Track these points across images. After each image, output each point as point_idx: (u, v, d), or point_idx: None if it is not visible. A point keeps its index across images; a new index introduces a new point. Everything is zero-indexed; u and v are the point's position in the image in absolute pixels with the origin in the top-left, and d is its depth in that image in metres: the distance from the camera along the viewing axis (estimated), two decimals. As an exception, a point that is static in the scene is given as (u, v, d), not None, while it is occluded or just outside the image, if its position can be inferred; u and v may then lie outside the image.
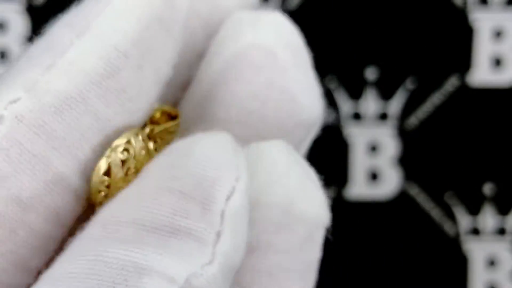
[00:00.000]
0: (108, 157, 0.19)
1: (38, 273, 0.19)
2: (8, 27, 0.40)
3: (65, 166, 0.19)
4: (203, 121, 0.22)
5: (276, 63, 0.22)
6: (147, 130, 0.20)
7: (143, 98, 0.19)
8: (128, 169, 0.19)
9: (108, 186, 0.19)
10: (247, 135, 0.22)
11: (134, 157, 0.19)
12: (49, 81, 0.18)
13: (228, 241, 0.18)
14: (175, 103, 0.23)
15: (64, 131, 0.18)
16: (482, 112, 0.43)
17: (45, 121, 0.18)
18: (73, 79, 0.18)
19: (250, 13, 0.23)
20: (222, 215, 0.18)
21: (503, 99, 0.43)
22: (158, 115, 0.21)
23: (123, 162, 0.19)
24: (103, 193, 0.19)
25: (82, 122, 0.19)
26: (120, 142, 0.19)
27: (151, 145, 0.20)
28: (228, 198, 0.18)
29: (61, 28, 0.19)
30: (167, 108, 0.21)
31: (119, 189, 0.19)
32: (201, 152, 0.19)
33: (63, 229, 0.19)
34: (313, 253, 0.21)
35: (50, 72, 0.19)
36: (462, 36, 0.42)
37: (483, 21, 0.42)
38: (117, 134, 0.19)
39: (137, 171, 0.19)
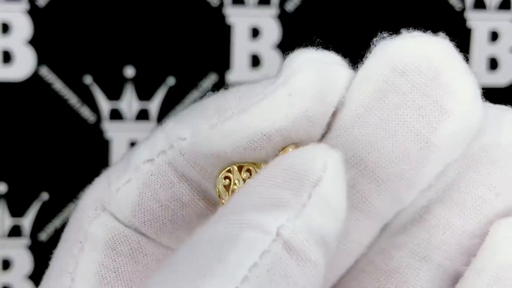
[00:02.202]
0: (217, 184, 0.26)
1: None
2: (11, 29, 0.41)
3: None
4: (442, 201, 0.26)
5: None
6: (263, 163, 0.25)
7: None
8: (233, 190, 0.25)
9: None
10: (478, 221, 0.25)
11: (234, 183, 0.25)
12: (207, 135, 0.25)
13: (313, 210, 0.21)
14: None
15: (208, 167, 0.25)
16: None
17: (197, 157, 0.25)
18: (225, 141, 0.25)
19: (492, 109, 0.26)
20: (309, 196, 0.21)
21: (500, 99, 0.43)
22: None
23: (226, 187, 0.25)
24: None
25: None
26: (222, 173, 0.25)
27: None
28: (315, 185, 0.21)
29: (231, 101, 0.24)
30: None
31: None
32: (293, 155, 0.22)
33: None
34: None
35: (210, 132, 0.24)
36: (459, 38, 0.43)
37: (480, 24, 0.43)
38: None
39: None
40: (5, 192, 0.42)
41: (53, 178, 0.42)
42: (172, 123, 0.26)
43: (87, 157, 0.42)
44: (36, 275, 0.42)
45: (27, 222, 0.42)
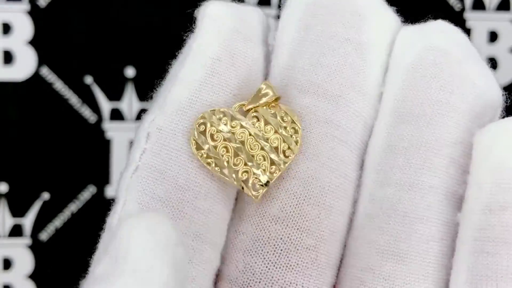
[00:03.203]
0: (192, 135, 0.26)
1: None
2: (12, 29, 0.41)
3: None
4: (403, 121, 0.26)
5: (452, 58, 0.26)
6: (235, 107, 0.26)
7: (237, 84, 0.26)
8: (212, 135, 0.26)
9: (208, 156, 0.26)
10: (445, 124, 0.25)
11: (211, 126, 0.26)
12: (169, 95, 0.26)
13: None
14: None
15: (186, 125, 0.26)
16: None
17: (176, 123, 0.26)
18: (186, 87, 0.26)
19: (415, 26, 0.28)
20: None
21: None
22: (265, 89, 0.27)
23: (202, 132, 0.26)
24: (213, 163, 0.26)
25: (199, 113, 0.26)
26: (196, 121, 0.26)
27: (238, 115, 0.26)
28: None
29: (174, 66, 0.27)
30: (269, 83, 0.27)
31: (217, 154, 0.26)
32: None
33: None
34: None
35: (171, 90, 0.26)
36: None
37: (479, 24, 0.43)
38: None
39: (227, 137, 0.26)
40: (6, 192, 0.42)
41: (54, 178, 0.42)
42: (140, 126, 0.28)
43: (88, 157, 0.42)
44: (37, 275, 0.42)
45: (28, 221, 0.42)
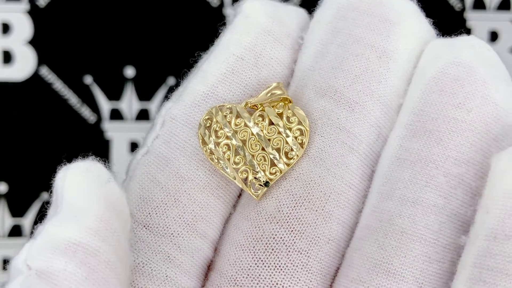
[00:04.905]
0: (199, 129, 0.26)
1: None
2: (11, 29, 0.41)
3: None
4: (414, 135, 0.25)
5: (476, 75, 0.25)
6: (243, 104, 0.26)
7: (256, 85, 0.26)
8: (216, 132, 0.26)
9: (212, 152, 0.26)
10: (458, 143, 0.24)
11: (216, 122, 0.26)
12: (188, 85, 0.27)
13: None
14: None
15: (198, 118, 0.26)
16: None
17: (188, 114, 0.26)
18: (204, 81, 0.26)
19: (446, 39, 0.26)
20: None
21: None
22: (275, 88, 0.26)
23: (208, 128, 0.26)
24: (216, 159, 0.26)
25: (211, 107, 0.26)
26: (204, 116, 0.26)
27: (244, 113, 0.26)
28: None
29: (203, 58, 0.27)
30: (280, 84, 0.26)
31: (219, 151, 0.26)
32: None
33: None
34: None
35: (191, 81, 0.27)
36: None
37: (479, 24, 0.43)
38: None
39: (227, 132, 0.26)
40: (6, 192, 0.42)
41: (54, 178, 0.42)
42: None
43: (88, 157, 0.42)
44: (37, 275, 0.42)
45: (27, 222, 0.42)
